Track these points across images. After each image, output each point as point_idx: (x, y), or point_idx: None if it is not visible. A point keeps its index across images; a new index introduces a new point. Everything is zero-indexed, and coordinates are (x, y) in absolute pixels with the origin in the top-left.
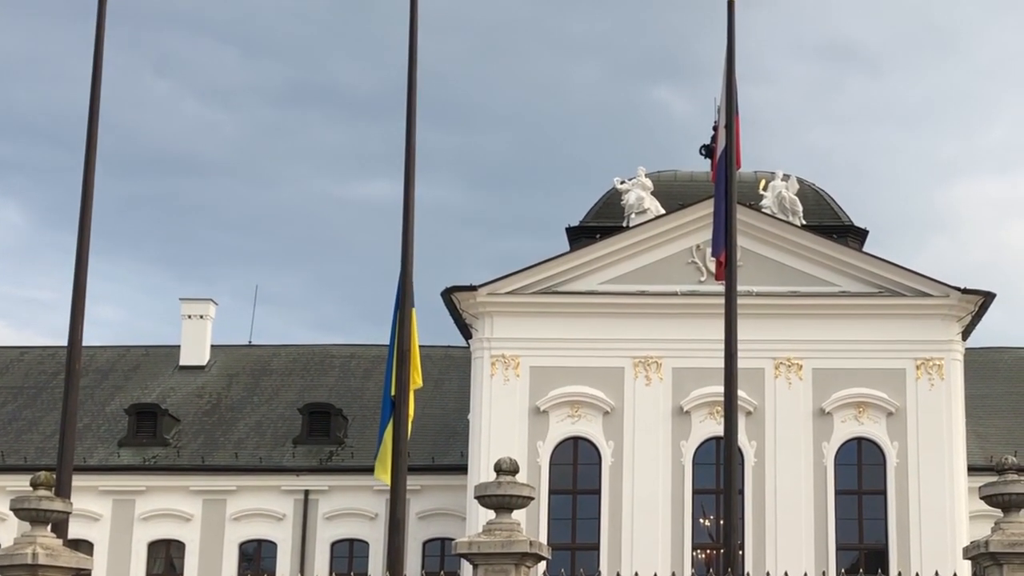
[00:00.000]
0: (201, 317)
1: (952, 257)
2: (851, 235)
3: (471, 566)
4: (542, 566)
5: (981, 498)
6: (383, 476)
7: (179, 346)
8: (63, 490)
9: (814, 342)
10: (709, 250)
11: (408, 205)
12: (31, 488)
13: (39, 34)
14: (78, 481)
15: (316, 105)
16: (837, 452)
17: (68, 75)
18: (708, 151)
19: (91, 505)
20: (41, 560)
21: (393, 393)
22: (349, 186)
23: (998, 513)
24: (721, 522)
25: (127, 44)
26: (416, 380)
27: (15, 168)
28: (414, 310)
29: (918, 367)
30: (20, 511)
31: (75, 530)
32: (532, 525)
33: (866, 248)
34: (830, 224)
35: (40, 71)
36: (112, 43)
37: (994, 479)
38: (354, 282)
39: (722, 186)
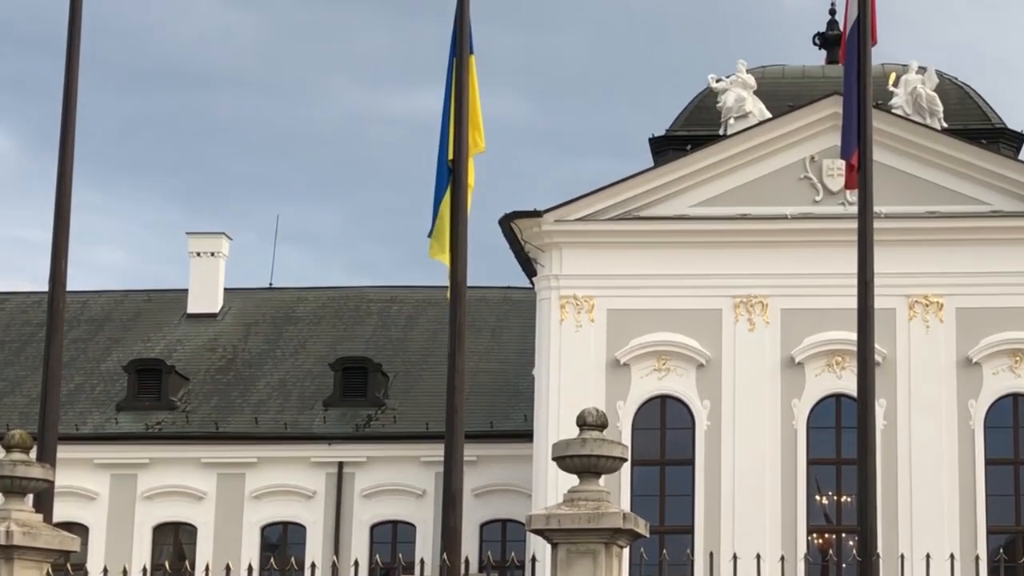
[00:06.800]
0: (212, 255)
1: None
2: (1004, 140)
3: (549, 546)
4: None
5: None
6: (441, 256)
7: (187, 290)
8: (46, 456)
9: (958, 275)
10: (825, 162)
11: None
12: (4, 451)
13: None
14: (70, 452)
15: (354, 2)
16: (987, 412)
17: None
18: (823, 40)
19: (86, 482)
20: (16, 540)
21: (451, 158)
22: (393, 100)
23: None
24: (842, 499)
25: None
26: (478, 143)
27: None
28: (473, 57)
29: None
30: None
31: (68, 511)
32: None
33: None
34: (978, 127)
35: None
36: None
37: None
38: (397, 216)
39: (853, 68)
